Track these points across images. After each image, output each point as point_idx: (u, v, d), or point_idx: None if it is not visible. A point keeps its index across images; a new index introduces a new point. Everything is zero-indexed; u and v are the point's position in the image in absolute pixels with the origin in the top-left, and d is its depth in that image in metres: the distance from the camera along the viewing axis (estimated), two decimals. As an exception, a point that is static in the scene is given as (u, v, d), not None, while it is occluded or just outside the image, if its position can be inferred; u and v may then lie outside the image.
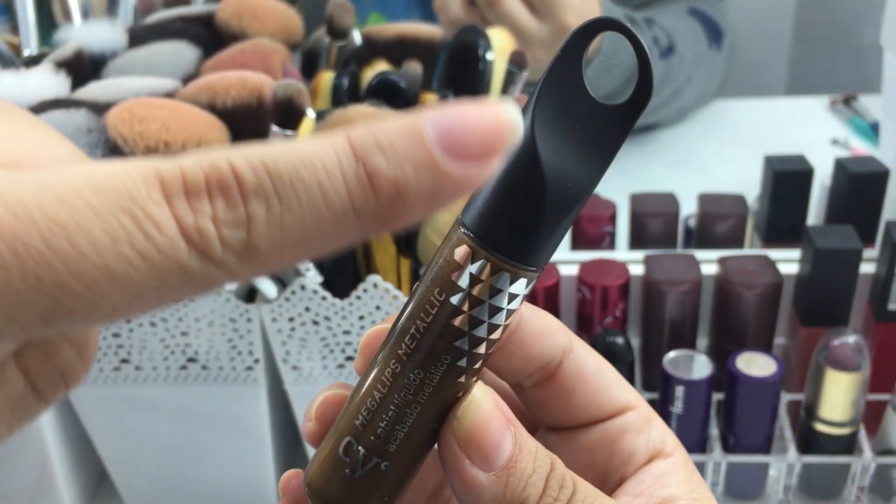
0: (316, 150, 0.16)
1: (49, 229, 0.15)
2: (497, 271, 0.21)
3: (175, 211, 0.16)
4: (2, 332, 0.16)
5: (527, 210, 0.21)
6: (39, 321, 0.16)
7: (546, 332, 0.26)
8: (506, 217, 0.21)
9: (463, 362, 0.22)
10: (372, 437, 0.23)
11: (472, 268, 0.21)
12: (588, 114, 0.21)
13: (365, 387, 0.23)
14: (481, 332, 0.22)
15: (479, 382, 0.23)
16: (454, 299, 0.22)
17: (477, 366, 0.23)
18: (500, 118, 0.17)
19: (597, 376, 0.27)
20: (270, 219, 0.16)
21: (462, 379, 0.23)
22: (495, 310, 0.22)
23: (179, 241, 0.16)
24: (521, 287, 0.22)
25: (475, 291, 0.21)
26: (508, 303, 0.22)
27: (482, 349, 0.22)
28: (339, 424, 0.24)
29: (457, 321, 0.22)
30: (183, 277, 0.16)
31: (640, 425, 0.27)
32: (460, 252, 0.21)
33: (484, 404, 0.23)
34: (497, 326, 0.22)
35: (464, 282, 0.21)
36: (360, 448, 0.23)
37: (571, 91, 0.21)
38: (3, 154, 0.17)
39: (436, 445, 0.24)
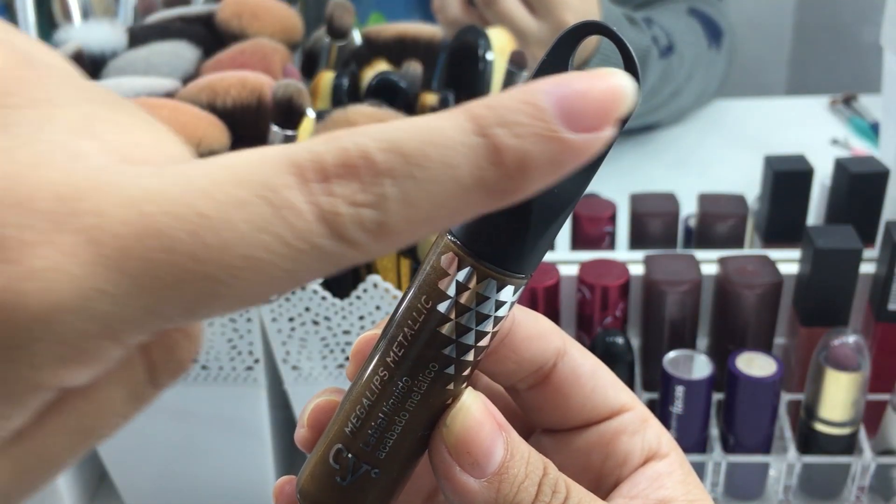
0: (439, 127, 0.17)
1: (196, 223, 0.16)
2: (483, 279, 0.21)
3: (311, 197, 0.16)
4: (146, 326, 0.16)
5: (512, 217, 0.21)
6: (183, 313, 0.16)
7: (539, 335, 0.26)
8: (491, 224, 0.21)
9: (451, 370, 0.22)
10: (361, 445, 0.23)
11: (459, 275, 0.21)
12: None
13: (354, 394, 0.23)
14: (469, 339, 0.22)
15: (469, 388, 0.23)
16: (441, 307, 0.22)
17: (465, 373, 0.23)
18: (614, 86, 0.17)
19: (591, 378, 0.27)
20: (402, 197, 0.16)
21: (451, 386, 0.23)
22: (483, 317, 0.22)
23: (316, 225, 0.16)
24: (508, 294, 0.22)
25: (462, 299, 0.21)
26: (496, 310, 0.22)
27: (470, 356, 0.22)
28: (329, 431, 0.24)
29: (444, 329, 0.22)
30: (319, 260, 0.16)
31: (636, 427, 0.27)
32: (446, 259, 0.21)
33: (473, 411, 0.23)
34: (485, 334, 0.22)
35: (450, 290, 0.21)
36: (349, 455, 0.23)
37: None
38: (134, 154, 0.18)
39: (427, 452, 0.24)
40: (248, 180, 0.16)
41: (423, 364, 0.22)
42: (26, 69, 0.18)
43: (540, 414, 0.27)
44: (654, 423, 0.27)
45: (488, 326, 0.22)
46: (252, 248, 0.16)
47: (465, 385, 0.23)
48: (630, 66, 0.20)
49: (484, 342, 0.22)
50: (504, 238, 0.21)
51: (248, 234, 0.16)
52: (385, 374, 0.22)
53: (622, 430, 0.27)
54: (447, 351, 0.22)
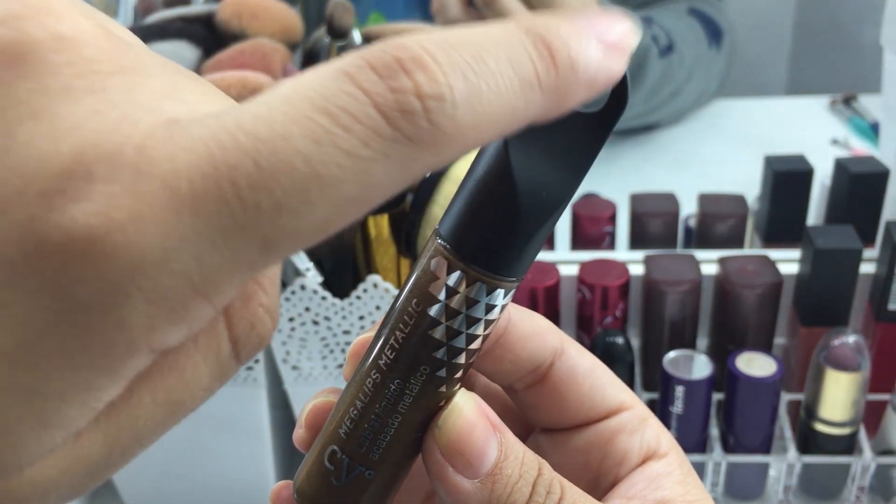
0: (492, 30, 0.17)
1: (255, 149, 0.15)
2: (473, 283, 0.21)
3: (371, 96, 0.15)
4: (228, 275, 0.16)
5: (501, 221, 0.21)
6: (261, 251, 0.16)
7: (536, 334, 0.26)
8: (480, 228, 0.21)
9: (442, 372, 0.22)
10: (355, 447, 0.23)
11: (449, 279, 0.21)
12: (563, 123, 0.20)
13: (348, 396, 0.23)
14: (460, 343, 0.22)
15: (463, 390, 0.23)
16: (432, 311, 0.22)
17: (458, 375, 0.23)
18: (622, 26, 0.18)
19: (589, 377, 0.27)
20: (470, 90, 0.16)
21: (443, 388, 0.23)
22: (473, 321, 0.22)
23: (380, 124, 0.15)
24: (499, 298, 0.22)
25: (452, 303, 0.21)
26: (486, 313, 0.22)
27: (462, 359, 0.22)
28: (324, 433, 0.24)
29: (435, 333, 0.22)
30: (388, 166, 0.16)
31: (634, 426, 0.27)
32: (437, 263, 0.21)
33: (466, 412, 0.23)
34: (476, 337, 0.22)
35: (441, 294, 0.21)
36: (343, 457, 0.23)
37: None
38: (183, 109, 0.17)
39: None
40: (300, 97, 0.15)
41: (414, 367, 0.22)
42: (114, 41, 0.18)
43: (538, 413, 0.27)
44: (654, 423, 0.27)
45: (479, 330, 0.22)
46: (316, 165, 0.15)
47: (457, 387, 0.23)
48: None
49: (475, 345, 0.22)
50: (493, 242, 0.21)
51: (309, 150, 0.15)
52: (377, 377, 0.23)
53: (620, 429, 0.26)
54: (438, 354, 0.22)
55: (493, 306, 0.22)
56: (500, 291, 0.22)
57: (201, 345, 0.18)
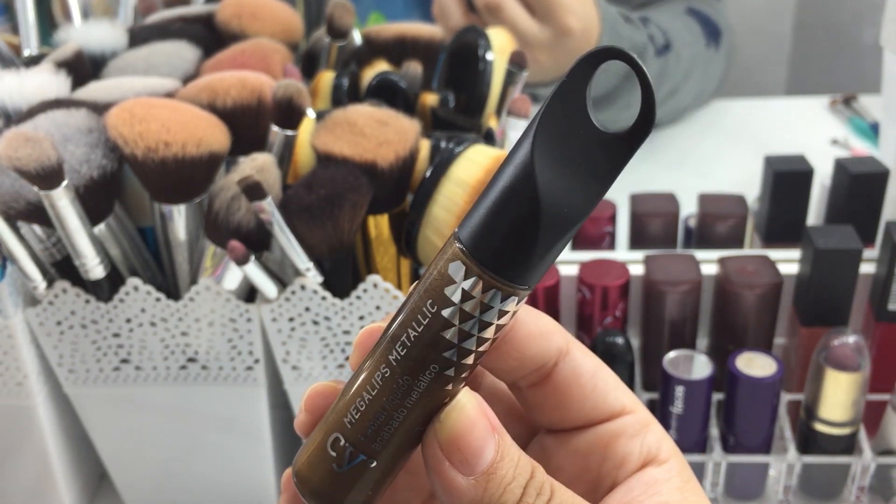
0: None
1: None
2: (489, 289, 0.22)
3: None
4: None
5: (522, 232, 0.21)
6: None
7: (542, 334, 0.26)
8: (501, 237, 0.22)
9: (450, 372, 0.23)
10: (359, 436, 0.24)
11: (465, 284, 0.22)
12: (589, 141, 0.21)
13: (355, 386, 0.24)
14: (470, 345, 0.23)
15: (466, 388, 0.24)
16: (445, 312, 0.22)
17: (464, 375, 0.23)
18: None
19: (592, 379, 0.27)
20: None
21: (449, 387, 0.23)
22: (485, 325, 0.22)
23: None
24: (511, 304, 0.22)
25: (466, 307, 0.22)
26: (498, 318, 0.22)
27: (470, 360, 0.23)
28: (328, 419, 0.25)
29: (447, 334, 0.22)
30: None
31: (636, 430, 0.27)
32: (454, 267, 0.22)
33: (468, 410, 0.23)
34: (486, 340, 0.23)
35: (456, 296, 0.22)
36: (347, 445, 0.24)
37: (574, 117, 0.21)
38: None
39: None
40: None
41: (424, 365, 0.23)
42: None
43: (541, 412, 0.27)
44: (656, 429, 0.27)
45: (489, 333, 0.23)
46: None
47: (462, 385, 0.24)
48: (647, 94, 0.21)
49: (484, 347, 0.23)
50: (512, 251, 0.22)
51: None
52: (386, 371, 0.23)
53: (621, 433, 0.27)
54: (448, 354, 0.23)
55: (506, 312, 0.22)
56: (514, 299, 0.22)
57: None
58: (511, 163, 0.21)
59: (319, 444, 0.24)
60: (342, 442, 0.24)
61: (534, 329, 0.26)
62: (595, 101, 0.21)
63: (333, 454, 0.24)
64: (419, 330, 0.23)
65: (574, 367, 0.27)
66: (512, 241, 0.21)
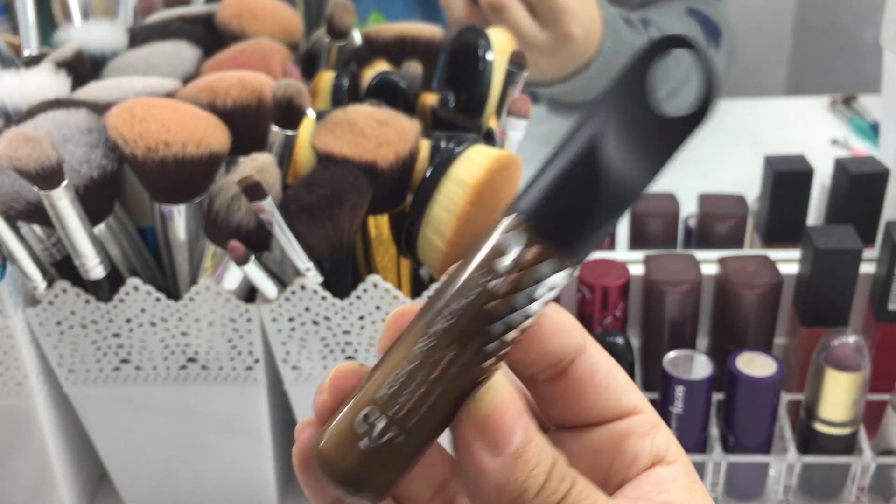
0: None
1: None
2: (544, 259, 0.23)
3: None
4: None
5: (582, 206, 0.22)
6: None
7: (563, 329, 0.26)
8: (561, 210, 0.22)
9: (492, 346, 0.23)
10: (394, 409, 0.24)
11: (521, 254, 0.23)
12: (650, 122, 0.23)
13: (391, 360, 0.24)
14: (516, 319, 0.23)
15: (501, 370, 0.24)
16: (495, 283, 0.23)
17: (503, 352, 0.24)
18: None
19: (606, 377, 0.27)
20: None
21: (488, 363, 0.24)
22: (533, 299, 0.23)
23: None
24: (560, 278, 0.23)
25: (518, 277, 0.23)
26: (547, 292, 0.23)
27: (511, 336, 0.23)
28: (358, 396, 0.24)
29: (495, 305, 0.23)
30: None
31: (646, 430, 0.27)
32: (510, 238, 0.23)
33: (503, 391, 0.24)
34: (531, 315, 0.23)
35: (509, 267, 0.23)
36: (379, 419, 0.24)
37: (637, 100, 0.23)
38: None
39: (449, 427, 0.24)
40: None
41: (468, 337, 0.23)
42: None
43: (554, 407, 0.28)
44: (664, 430, 0.28)
45: (535, 307, 0.23)
46: None
47: (498, 364, 0.24)
48: (710, 79, 0.22)
49: (528, 323, 0.24)
50: (571, 223, 0.23)
51: None
52: (430, 343, 0.23)
53: (631, 432, 0.27)
54: (493, 328, 0.23)
55: (555, 286, 0.23)
56: (564, 273, 0.23)
57: None
58: (575, 140, 0.22)
59: (346, 421, 0.24)
60: (372, 417, 0.24)
61: (556, 323, 0.26)
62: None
63: (361, 430, 0.24)
64: (466, 302, 0.23)
65: (590, 365, 0.27)
66: (572, 214, 0.22)
